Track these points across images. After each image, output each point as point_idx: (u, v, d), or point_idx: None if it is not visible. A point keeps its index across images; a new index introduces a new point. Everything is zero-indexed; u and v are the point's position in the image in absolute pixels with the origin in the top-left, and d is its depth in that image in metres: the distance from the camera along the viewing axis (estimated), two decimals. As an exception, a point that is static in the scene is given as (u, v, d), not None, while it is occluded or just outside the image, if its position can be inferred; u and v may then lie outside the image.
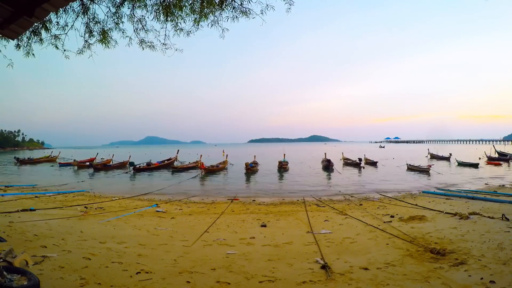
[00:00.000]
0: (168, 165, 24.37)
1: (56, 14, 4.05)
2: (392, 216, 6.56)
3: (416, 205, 7.99)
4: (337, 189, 13.12)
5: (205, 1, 3.93)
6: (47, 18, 3.94)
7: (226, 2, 3.89)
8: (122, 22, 4.35)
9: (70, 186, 14.11)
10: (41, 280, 2.65)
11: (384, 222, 6.00)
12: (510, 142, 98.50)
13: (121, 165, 25.97)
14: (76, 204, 8.61)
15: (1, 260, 2.86)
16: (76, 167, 25.35)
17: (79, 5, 4.14)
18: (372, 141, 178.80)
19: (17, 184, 14.73)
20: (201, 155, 24.93)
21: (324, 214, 7.42)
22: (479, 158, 26.84)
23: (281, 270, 3.45)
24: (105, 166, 24.86)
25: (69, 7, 4.07)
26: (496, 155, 29.71)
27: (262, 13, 3.87)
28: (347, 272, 3.32)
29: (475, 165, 22.10)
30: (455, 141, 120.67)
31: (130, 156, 30.27)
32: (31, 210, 6.84)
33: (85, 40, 4.43)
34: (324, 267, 3.45)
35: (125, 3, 4.20)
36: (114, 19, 4.30)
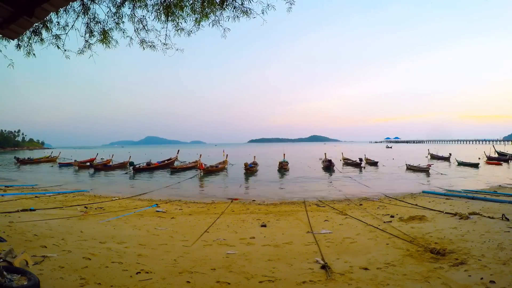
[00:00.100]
0: (168, 165, 24.34)
1: (57, 14, 4.05)
2: (392, 216, 6.56)
3: (416, 205, 7.99)
4: (338, 189, 13.11)
5: (206, 1, 3.92)
6: (47, 18, 3.94)
7: (227, 2, 3.89)
8: (123, 22, 4.34)
9: (70, 186, 14.12)
10: (41, 280, 2.65)
11: (384, 222, 6.00)
12: (510, 142, 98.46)
13: (121, 165, 25.98)
14: (76, 204, 8.61)
15: (1, 260, 2.86)
16: (76, 167, 25.38)
17: (80, 5, 4.13)
18: (372, 141, 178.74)
19: (17, 184, 14.73)
20: (200, 155, 24.83)
21: (324, 214, 7.42)
22: (479, 158, 26.85)
23: (281, 270, 3.46)
24: (105, 166, 24.87)
25: (69, 7, 4.07)
26: (496, 155, 29.75)
27: (263, 13, 3.87)
28: (347, 272, 3.32)
29: (475, 165, 22.12)
30: (455, 141, 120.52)
31: (130, 156, 30.26)
32: (31, 210, 6.84)
33: (85, 40, 4.43)
34: (324, 267, 3.45)
35: (126, 3, 4.20)
36: (114, 19, 4.30)
